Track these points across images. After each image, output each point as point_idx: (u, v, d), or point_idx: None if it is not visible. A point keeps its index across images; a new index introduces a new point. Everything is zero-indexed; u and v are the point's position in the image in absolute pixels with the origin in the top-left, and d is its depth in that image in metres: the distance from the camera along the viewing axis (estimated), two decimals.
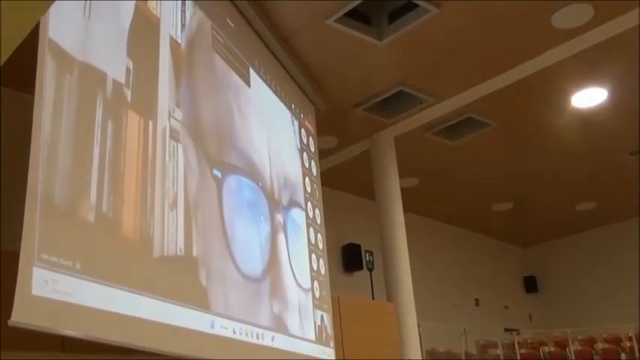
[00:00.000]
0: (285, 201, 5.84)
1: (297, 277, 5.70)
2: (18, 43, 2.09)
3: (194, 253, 4.03)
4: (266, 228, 5.29)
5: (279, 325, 5.06)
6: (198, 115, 4.53)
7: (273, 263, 5.27)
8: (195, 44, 4.72)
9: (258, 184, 5.29)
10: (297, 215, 6.15)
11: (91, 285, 2.91)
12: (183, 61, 4.48)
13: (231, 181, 4.78)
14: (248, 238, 4.93)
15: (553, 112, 8.50)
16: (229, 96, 5.14)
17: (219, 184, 4.59)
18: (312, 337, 5.74)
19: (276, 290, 5.20)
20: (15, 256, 2.74)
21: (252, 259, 4.91)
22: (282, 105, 6.36)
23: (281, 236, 5.55)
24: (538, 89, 7.82)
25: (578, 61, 7.14)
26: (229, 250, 4.51)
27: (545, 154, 9.78)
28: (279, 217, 5.58)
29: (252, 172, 5.26)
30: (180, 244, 3.89)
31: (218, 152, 4.72)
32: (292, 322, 5.38)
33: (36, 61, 2.89)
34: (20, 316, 2.46)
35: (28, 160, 2.74)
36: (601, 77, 7.74)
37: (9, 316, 2.43)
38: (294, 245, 5.83)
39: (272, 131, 5.96)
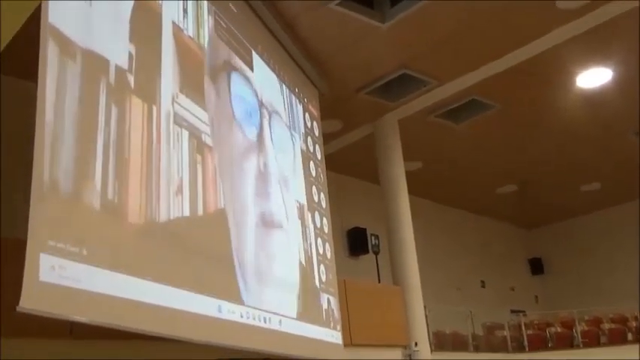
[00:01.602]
0: (269, 108, 5.97)
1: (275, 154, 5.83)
2: (17, 28, 2.08)
3: (200, 237, 4.04)
4: (256, 116, 5.53)
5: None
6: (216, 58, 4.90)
7: (260, 135, 5.47)
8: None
9: (252, 89, 5.56)
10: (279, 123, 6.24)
11: (98, 271, 2.92)
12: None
13: (235, 80, 5.22)
14: (246, 119, 5.29)
15: (558, 93, 8.46)
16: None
17: (228, 80, 4.97)
18: (320, 320, 5.76)
19: (263, 148, 5.43)
20: (15, 243, 2.75)
21: (247, 129, 5.28)
22: (285, 89, 6.34)
23: (266, 124, 5.70)
24: (542, 70, 7.78)
25: (582, 42, 7.09)
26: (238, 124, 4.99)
27: (550, 135, 9.75)
28: (265, 112, 5.75)
29: (249, 80, 5.54)
30: (186, 230, 3.90)
31: (227, 62, 5.12)
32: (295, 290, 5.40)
33: (36, 49, 2.88)
34: (28, 302, 2.47)
35: (28, 149, 2.73)
36: (606, 57, 7.70)
37: (11, 302, 2.44)
38: (276, 138, 5.93)
39: (260, 79, 5.98)
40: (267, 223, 5.23)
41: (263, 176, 5.34)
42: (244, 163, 5.07)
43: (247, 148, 5.19)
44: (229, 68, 5.15)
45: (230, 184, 4.68)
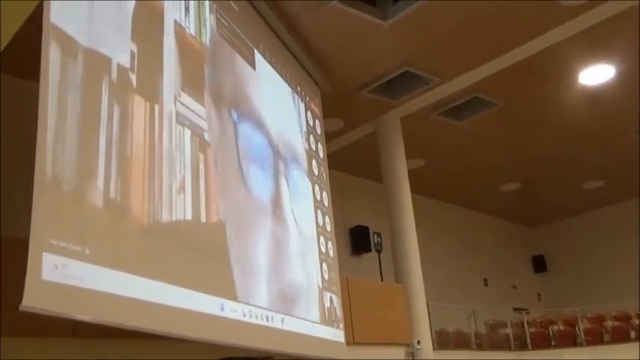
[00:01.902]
0: (288, 158, 6.02)
1: (298, 222, 5.84)
2: (17, 28, 2.08)
3: (203, 235, 4.04)
4: (270, 173, 5.51)
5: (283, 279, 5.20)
6: (220, 74, 4.83)
7: (276, 200, 5.45)
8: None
9: (265, 135, 5.55)
10: (299, 175, 6.30)
11: (101, 270, 2.92)
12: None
13: (245, 125, 5.15)
14: (258, 177, 5.22)
15: (560, 90, 8.45)
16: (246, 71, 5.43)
17: (236, 126, 4.91)
18: (322, 319, 5.75)
19: (279, 217, 5.42)
20: (16, 242, 2.73)
21: (260, 192, 5.22)
22: (287, 87, 6.34)
23: (282, 181, 5.71)
24: (545, 67, 7.77)
25: (585, 38, 7.07)
26: (244, 179, 4.87)
27: (552, 132, 9.74)
28: (281, 165, 5.77)
29: (260, 124, 5.51)
30: (188, 228, 3.89)
31: (234, 97, 5.02)
32: (301, 293, 5.40)
33: (34, 48, 2.88)
34: (31, 301, 2.46)
35: (28, 148, 2.73)
36: (608, 54, 7.69)
37: (13, 301, 2.43)
38: (296, 195, 6.00)
39: (277, 112, 5.99)
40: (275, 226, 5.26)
41: (278, 241, 5.37)
42: (255, 229, 5.02)
43: (260, 212, 5.15)
44: (238, 113, 5.05)
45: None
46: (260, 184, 5.24)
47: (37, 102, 2.77)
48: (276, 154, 5.70)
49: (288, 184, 5.80)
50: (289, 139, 6.13)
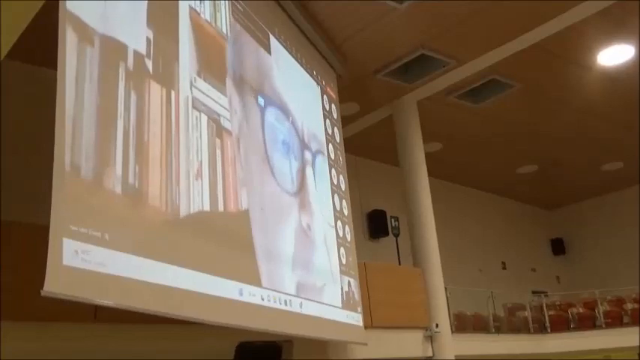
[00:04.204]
0: (313, 148, 6.10)
1: (322, 208, 5.97)
2: (29, 21, 2.08)
3: (221, 220, 4.06)
4: (296, 164, 5.58)
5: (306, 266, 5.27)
6: (242, 61, 4.88)
7: (301, 189, 5.53)
8: None
9: (291, 123, 5.63)
10: (322, 164, 6.38)
11: (120, 255, 2.95)
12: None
13: (271, 113, 5.23)
14: (283, 167, 5.30)
15: (579, 71, 8.34)
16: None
17: (263, 113, 5.01)
18: (340, 302, 5.77)
19: (306, 205, 5.48)
20: (15, 226, 2.74)
21: (286, 182, 5.30)
22: (303, 72, 6.33)
23: (309, 171, 5.80)
24: (563, 48, 7.67)
25: (604, 18, 6.97)
26: (270, 167, 4.95)
27: (571, 114, 9.63)
28: (308, 155, 5.85)
29: (286, 111, 5.60)
30: (206, 213, 3.91)
31: (259, 84, 5.12)
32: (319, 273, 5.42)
33: (40, 33, 2.88)
34: (53, 286, 2.49)
35: (30, 132, 2.75)
36: (628, 34, 7.56)
37: (14, 286, 2.46)
38: (320, 185, 6.10)
39: (300, 97, 6.01)
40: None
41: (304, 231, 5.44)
42: (282, 218, 5.09)
43: (286, 203, 5.20)
44: (264, 99, 5.09)
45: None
46: (286, 171, 5.29)
47: (43, 88, 2.78)
48: (302, 141, 5.74)
49: (313, 172, 5.86)
50: (312, 124, 6.16)
